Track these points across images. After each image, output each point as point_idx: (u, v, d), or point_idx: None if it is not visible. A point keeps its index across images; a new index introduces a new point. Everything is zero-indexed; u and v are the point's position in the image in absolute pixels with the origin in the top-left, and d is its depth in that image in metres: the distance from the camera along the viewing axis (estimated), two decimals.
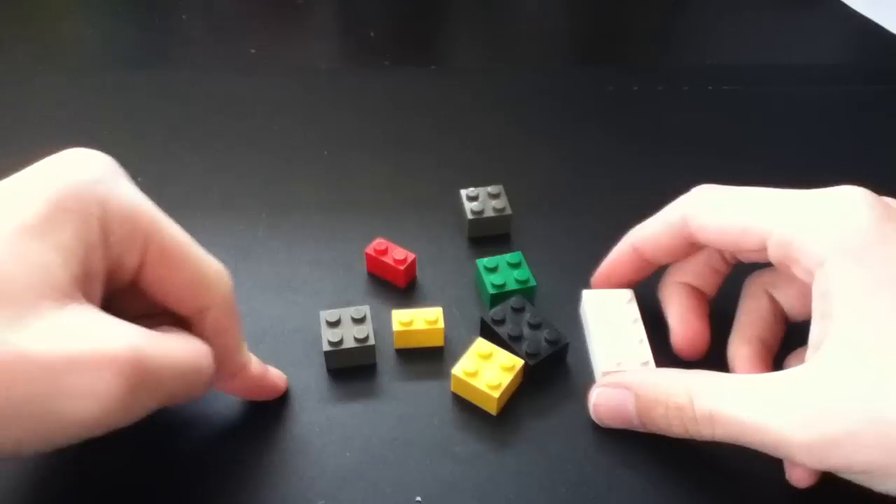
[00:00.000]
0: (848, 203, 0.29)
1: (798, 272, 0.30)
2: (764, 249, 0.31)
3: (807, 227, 0.30)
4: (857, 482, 0.27)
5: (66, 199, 0.26)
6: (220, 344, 0.30)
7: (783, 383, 0.28)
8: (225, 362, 0.31)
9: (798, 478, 0.31)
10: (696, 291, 0.37)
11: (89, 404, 0.24)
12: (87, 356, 0.24)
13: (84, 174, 0.27)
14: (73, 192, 0.26)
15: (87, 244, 0.26)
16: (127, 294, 0.29)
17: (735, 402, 0.29)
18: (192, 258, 0.29)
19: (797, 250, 0.30)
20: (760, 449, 0.29)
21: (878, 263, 0.28)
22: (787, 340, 0.35)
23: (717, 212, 0.33)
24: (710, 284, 0.37)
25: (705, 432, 0.30)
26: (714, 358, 0.35)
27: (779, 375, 0.29)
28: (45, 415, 0.23)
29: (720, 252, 0.36)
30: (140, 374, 0.25)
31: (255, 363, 0.33)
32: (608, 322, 0.36)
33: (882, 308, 0.27)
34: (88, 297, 0.26)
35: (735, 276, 0.37)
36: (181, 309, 0.29)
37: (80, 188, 0.26)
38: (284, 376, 0.35)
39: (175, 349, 0.27)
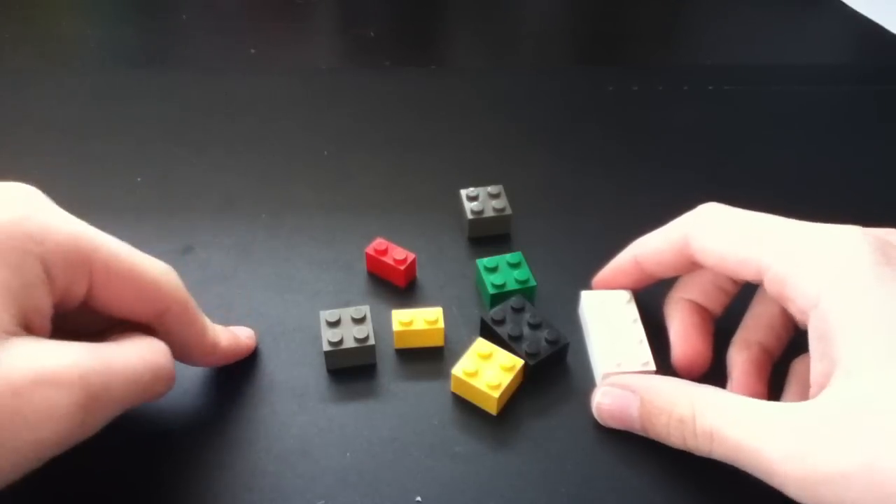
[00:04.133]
0: (845, 244, 0.29)
1: (792, 310, 0.30)
2: (762, 281, 0.31)
3: (802, 266, 0.29)
4: None
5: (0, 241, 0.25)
6: (188, 335, 0.31)
7: (787, 414, 0.28)
8: (197, 347, 0.32)
9: None
10: (701, 309, 0.36)
11: (44, 428, 0.24)
12: (32, 383, 0.24)
13: (14, 211, 0.26)
14: (6, 233, 0.25)
15: (27, 283, 0.25)
16: (83, 310, 0.29)
17: (737, 425, 0.29)
18: (138, 268, 0.29)
19: (791, 289, 0.30)
20: (753, 474, 0.28)
21: (876, 306, 0.27)
22: (793, 346, 0.35)
23: (717, 237, 0.32)
24: (716, 303, 0.36)
25: (703, 448, 0.30)
26: (717, 371, 0.35)
27: (784, 406, 0.29)
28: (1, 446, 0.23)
29: None
30: (90, 390, 0.25)
31: (223, 337, 0.34)
32: (607, 323, 0.36)
33: (882, 353, 0.27)
34: (34, 330, 0.26)
35: (743, 291, 0.36)
36: (139, 318, 0.30)
37: (13, 228, 0.25)
38: (251, 331, 0.36)
39: (125, 357, 0.27)
